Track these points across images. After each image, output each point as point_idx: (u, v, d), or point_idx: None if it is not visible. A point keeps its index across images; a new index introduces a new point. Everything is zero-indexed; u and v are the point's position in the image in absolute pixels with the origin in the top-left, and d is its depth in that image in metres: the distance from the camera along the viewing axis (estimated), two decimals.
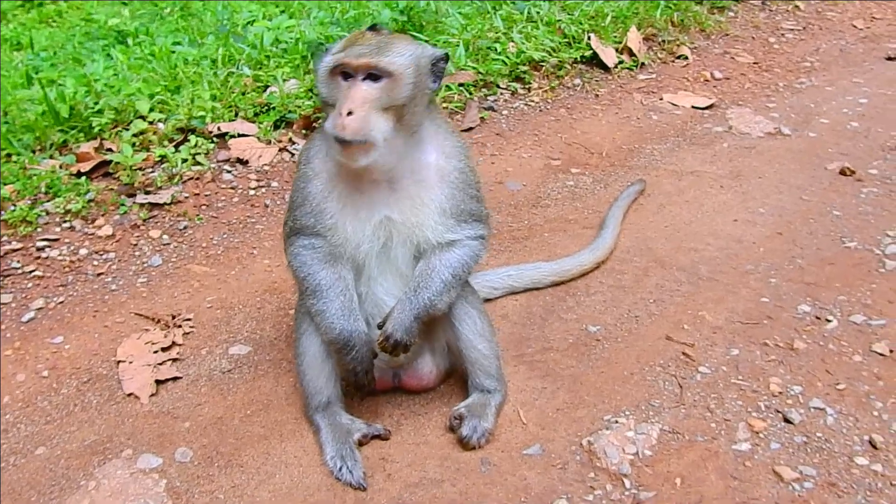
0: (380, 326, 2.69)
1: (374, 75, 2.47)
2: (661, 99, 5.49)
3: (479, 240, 2.80)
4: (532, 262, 3.72)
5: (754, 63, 6.10)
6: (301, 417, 2.91)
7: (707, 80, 5.76)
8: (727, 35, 6.53)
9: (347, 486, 2.63)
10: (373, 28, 2.64)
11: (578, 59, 5.70)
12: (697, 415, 2.93)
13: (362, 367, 2.74)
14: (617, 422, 2.89)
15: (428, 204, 2.68)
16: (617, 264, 3.81)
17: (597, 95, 5.48)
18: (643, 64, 5.86)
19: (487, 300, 3.55)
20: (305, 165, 2.72)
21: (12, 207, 3.78)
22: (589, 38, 5.76)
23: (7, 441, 2.78)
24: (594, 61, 5.75)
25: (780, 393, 3.01)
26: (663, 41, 6.13)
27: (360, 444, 2.79)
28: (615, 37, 5.94)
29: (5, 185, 3.96)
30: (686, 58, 6.04)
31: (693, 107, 5.40)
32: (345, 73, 2.49)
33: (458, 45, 5.44)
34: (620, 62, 5.81)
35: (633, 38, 5.89)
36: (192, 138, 4.43)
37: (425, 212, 2.68)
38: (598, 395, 3.03)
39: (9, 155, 4.29)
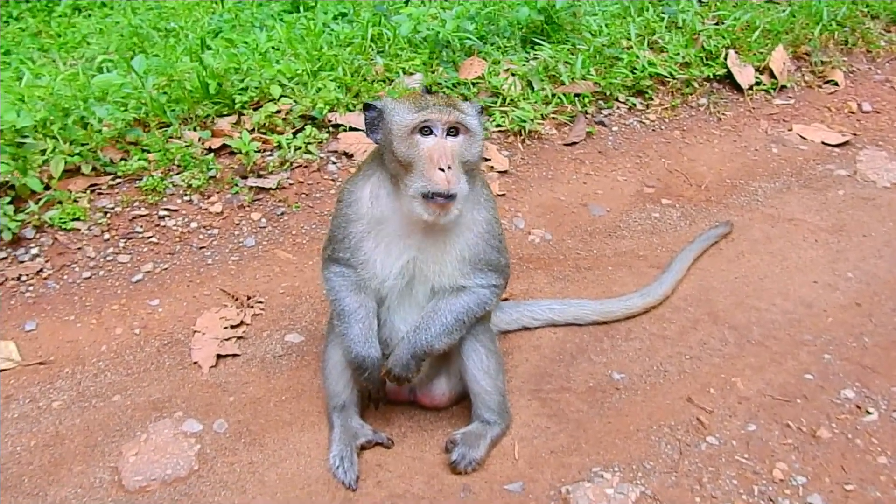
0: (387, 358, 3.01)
1: (454, 130, 2.72)
2: (790, 130, 5.17)
3: (490, 289, 2.99)
4: (578, 298, 3.81)
5: None
6: (323, 412, 3.30)
7: (851, 113, 5.32)
8: None
9: (341, 484, 3.00)
10: (427, 90, 2.86)
11: (710, 77, 5.48)
12: (686, 486, 2.97)
13: (374, 385, 3.08)
14: (602, 476, 3.01)
15: (450, 251, 2.91)
16: (668, 312, 3.81)
17: (720, 119, 5.27)
18: (783, 87, 5.51)
19: (526, 328, 3.73)
20: (349, 207, 2.98)
21: (147, 177, 4.43)
22: (726, 54, 5.50)
23: (95, 384, 3.43)
24: (728, 80, 5.49)
25: (781, 481, 2.97)
26: (816, 62, 5.69)
27: (364, 448, 3.14)
28: (759, 54, 5.61)
29: (149, 153, 4.63)
30: (836, 83, 5.58)
31: (823, 143, 5.04)
32: (423, 129, 2.72)
33: (578, 55, 5.42)
34: (758, 83, 5.50)
35: (778, 58, 5.54)
36: (308, 128, 4.88)
37: (446, 258, 2.91)
38: (595, 445, 3.15)
39: (163, 125, 4.98)
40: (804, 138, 5.09)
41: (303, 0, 8.07)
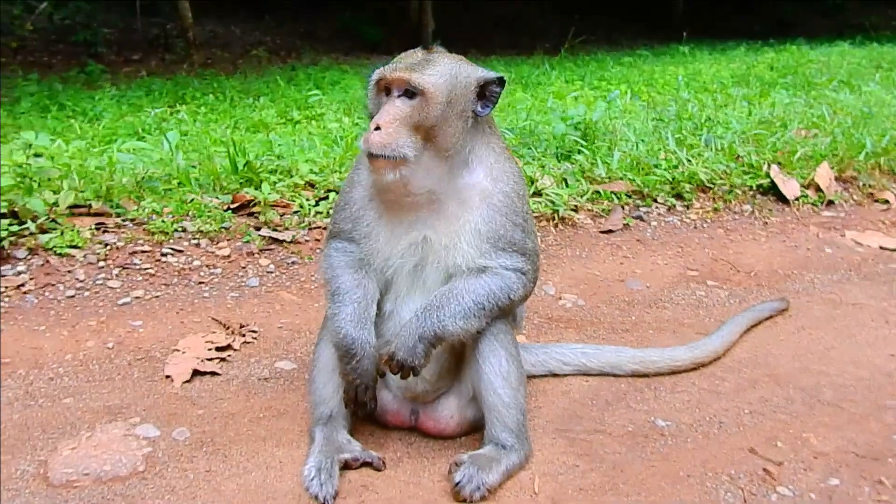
0: None
1: (410, 92, 2.44)
2: (842, 235, 4.83)
3: (515, 273, 2.57)
4: (615, 346, 3.32)
5: None
6: (306, 432, 2.74)
7: None
8: None
9: (313, 499, 2.39)
10: (427, 46, 2.63)
11: (753, 187, 5.26)
12: None
13: (362, 381, 2.56)
14: None
15: (464, 225, 2.53)
16: (720, 371, 3.27)
17: (766, 223, 4.97)
18: (831, 202, 5.25)
19: (554, 374, 3.21)
20: (354, 171, 2.73)
21: (158, 220, 4.20)
22: (769, 167, 5.33)
23: (47, 386, 2.95)
24: (772, 191, 5.26)
25: None
26: (863, 184, 5.48)
27: (349, 466, 2.55)
28: (802, 172, 5.42)
29: (164, 207, 4.44)
30: (888, 202, 5.32)
31: (881, 247, 4.67)
32: (387, 88, 2.49)
33: (615, 152, 5.31)
34: (803, 196, 5.26)
35: (823, 175, 5.34)
36: (332, 195, 4.69)
37: (460, 233, 2.53)
38: (636, 486, 2.51)
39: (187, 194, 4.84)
40: (859, 243, 4.73)
41: (345, 137, 8.37)
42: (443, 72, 2.46)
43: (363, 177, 2.66)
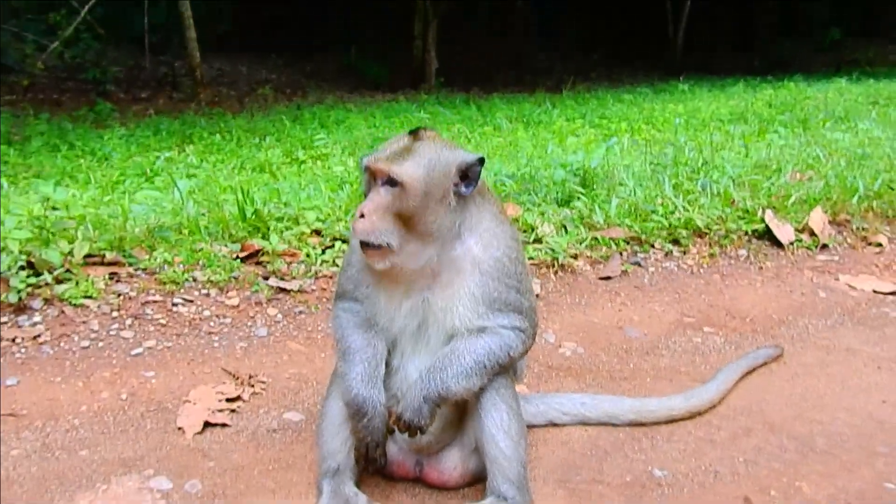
0: None
1: (392, 180, 2.53)
2: (836, 279, 4.94)
3: (514, 331, 2.68)
4: (613, 395, 3.41)
5: None
6: (314, 484, 2.84)
7: None
8: None
9: None
10: (415, 131, 2.68)
11: (748, 232, 5.39)
12: None
13: (373, 438, 2.67)
14: None
15: (458, 290, 2.65)
16: (715, 419, 3.36)
17: (761, 268, 5.08)
18: (825, 245, 5.37)
19: (553, 424, 3.30)
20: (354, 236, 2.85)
21: (170, 270, 4.33)
22: (764, 212, 5.46)
23: (63, 438, 3.06)
24: (767, 236, 5.39)
25: None
26: (857, 227, 5.60)
27: None
28: (796, 217, 5.56)
29: (175, 257, 4.58)
30: (881, 245, 5.44)
31: (874, 291, 4.78)
32: (373, 175, 2.59)
33: (613, 198, 5.45)
34: (798, 241, 5.38)
35: (817, 219, 5.46)
36: (338, 244, 4.83)
37: (455, 297, 2.65)
38: None
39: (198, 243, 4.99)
40: (853, 287, 4.84)
41: (349, 182, 8.53)
42: (421, 163, 2.55)
43: (357, 242, 2.78)
